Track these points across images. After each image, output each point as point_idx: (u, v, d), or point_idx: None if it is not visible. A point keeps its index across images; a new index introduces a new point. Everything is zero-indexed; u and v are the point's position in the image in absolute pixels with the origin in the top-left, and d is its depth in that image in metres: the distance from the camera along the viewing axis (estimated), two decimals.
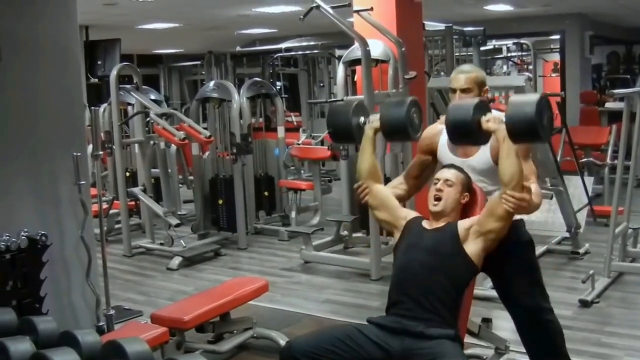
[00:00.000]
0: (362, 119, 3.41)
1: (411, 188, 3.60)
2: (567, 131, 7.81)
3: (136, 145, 7.77)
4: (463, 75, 3.39)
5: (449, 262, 3.08)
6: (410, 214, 3.36)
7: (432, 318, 2.99)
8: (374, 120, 3.36)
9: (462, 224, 3.16)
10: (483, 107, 3.06)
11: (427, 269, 3.07)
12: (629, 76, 13.35)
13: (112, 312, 4.49)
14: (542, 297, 3.46)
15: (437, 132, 3.51)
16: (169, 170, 8.06)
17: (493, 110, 3.20)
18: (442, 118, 3.58)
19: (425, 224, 3.27)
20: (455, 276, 3.07)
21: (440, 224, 3.21)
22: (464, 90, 3.35)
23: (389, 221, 3.36)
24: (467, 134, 3.05)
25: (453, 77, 3.42)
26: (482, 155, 3.35)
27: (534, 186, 3.19)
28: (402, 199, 3.52)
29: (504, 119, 2.96)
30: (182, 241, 7.05)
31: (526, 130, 2.90)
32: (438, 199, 3.21)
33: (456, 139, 3.18)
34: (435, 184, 3.25)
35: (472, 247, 3.09)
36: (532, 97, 2.94)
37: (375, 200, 3.39)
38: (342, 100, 6.85)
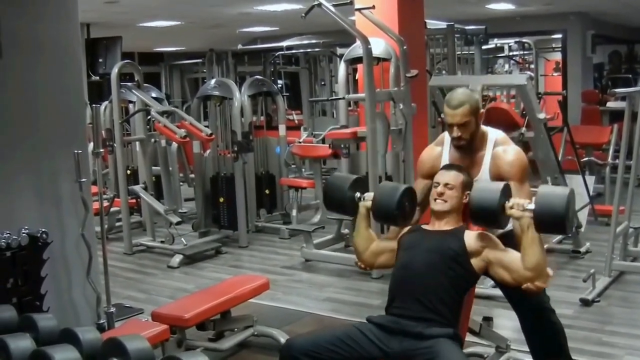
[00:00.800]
0: (357, 194, 3.40)
1: (420, 214, 3.56)
2: (569, 130, 7.80)
3: (137, 143, 7.77)
4: (458, 110, 3.27)
5: (451, 265, 3.06)
6: (403, 230, 3.35)
7: (432, 317, 2.98)
8: (368, 198, 3.34)
9: (471, 237, 3.13)
10: (507, 192, 3.06)
11: (428, 267, 3.07)
12: (630, 75, 13.34)
13: (112, 309, 4.50)
14: (545, 297, 3.46)
15: (437, 155, 3.49)
16: (170, 168, 8.07)
17: (493, 131, 3.32)
18: (439, 138, 3.57)
19: (427, 226, 3.26)
20: (456, 280, 3.06)
21: (444, 225, 3.19)
22: (461, 125, 3.29)
23: (388, 257, 3.35)
24: (490, 218, 3.05)
25: (448, 113, 3.31)
26: (483, 177, 3.34)
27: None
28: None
29: (526, 206, 2.96)
30: (182, 239, 7.05)
31: (554, 225, 2.93)
32: (440, 201, 3.20)
33: (478, 222, 3.17)
34: (436, 187, 3.23)
35: (478, 264, 3.09)
36: (562, 192, 2.94)
37: (375, 261, 3.41)
38: (343, 98, 6.88)
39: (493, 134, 3.40)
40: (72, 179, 4.07)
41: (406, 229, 3.33)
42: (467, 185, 3.23)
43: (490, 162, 3.33)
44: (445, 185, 3.20)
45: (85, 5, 5.67)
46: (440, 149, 3.49)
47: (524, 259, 2.97)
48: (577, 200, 6.45)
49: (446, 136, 3.45)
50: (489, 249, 3.08)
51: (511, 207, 2.99)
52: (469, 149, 3.36)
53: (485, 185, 3.17)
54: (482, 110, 3.38)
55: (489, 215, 3.04)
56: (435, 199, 3.22)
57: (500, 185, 3.08)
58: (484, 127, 3.40)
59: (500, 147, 3.35)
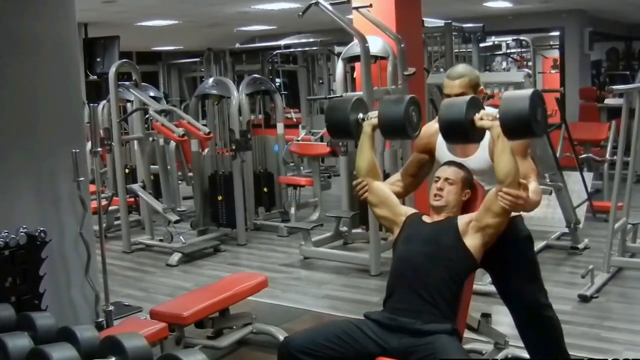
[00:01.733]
0: (360, 115, 3.36)
1: (408, 186, 3.60)
2: (567, 127, 7.81)
3: (135, 142, 7.77)
4: (456, 81, 3.31)
5: (448, 254, 3.08)
6: (409, 210, 3.36)
7: (430, 310, 2.99)
8: (373, 116, 3.32)
9: (462, 219, 3.16)
10: (476, 104, 3.03)
11: (426, 259, 3.08)
12: (628, 72, 13.31)
13: (111, 308, 4.50)
14: (540, 293, 3.46)
15: (434, 131, 3.47)
16: (168, 167, 8.08)
17: (486, 107, 3.20)
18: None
19: (426, 218, 3.27)
20: (454, 268, 3.07)
21: (441, 217, 3.21)
22: (458, 96, 3.28)
23: (389, 218, 3.34)
24: (461, 132, 3.01)
25: (446, 83, 3.35)
26: (480, 154, 3.34)
27: (533, 184, 3.17)
28: (400, 196, 3.51)
29: (496, 115, 2.93)
30: (181, 237, 7.05)
31: (520, 126, 2.87)
32: (439, 195, 3.21)
33: (450, 138, 3.14)
34: (436, 181, 3.24)
35: (472, 241, 3.09)
36: (525, 93, 2.91)
37: (374, 198, 3.38)
38: (341, 96, 6.87)
39: (488, 109, 3.40)
40: (71, 178, 4.07)
41: (411, 211, 3.33)
42: (467, 182, 3.25)
43: (489, 139, 3.31)
44: (446, 179, 3.22)
45: (83, 4, 5.68)
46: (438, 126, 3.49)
47: (496, 170, 2.98)
48: (575, 197, 6.52)
49: None
50: (475, 217, 3.11)
51: (481, 119, 2.97)
52: None
53: (452, 100, 3.15)
54: (481, 87, 3.39)
55: (458, 128, 2.99)
56: (434, 194, 3.23)
57: (467, 97, 3.06)
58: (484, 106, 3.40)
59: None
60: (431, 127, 3.54)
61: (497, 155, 2.97)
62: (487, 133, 3.10)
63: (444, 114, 3.04)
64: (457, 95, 3.28)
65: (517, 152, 3.12)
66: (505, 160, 2.95)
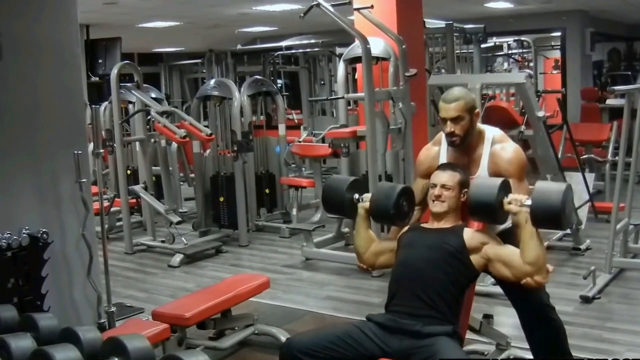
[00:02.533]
0: (356, 195, 3.41)
1: (419, 212, 3.56)
2: (568, 128, 7.81)
3: (137, 143, 7.77)
4: (452, 104, 3.29)
5: (451, 262, 3.08)
6: (402, 229, 3.36)
7: (431, 314, 3.00)
8: (367, 199, 3.36)
9: (470, 234, 3.15)
10: (506, 188, 3.09)
11: (428, 263, 3.08)
12: (629, 73, 13.34)
13: (113, 309, 4.51)
14: (544, 294, 3.46)
15: (434, 154, 3.49)
16: (170, 168, 8.08)
17: (490, 129, 3.34)
18: (437, 137, 3.57)
19: (426, 225, 3.28)
20: (456, 276, 3.08)
21: (443, 224, 3.22)
22: (454, 120, 3.29)
23: (389, 257, 3.36)
24: (489, 214, 3.09)
25: (442, 107, 3.34)
26: (481, 175, 3.34)
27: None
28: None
29: (524, 201, 2.99)
30: (183, 238, 7.06)
31: (550, 220, 2.94)
32: (439, 202, 3.21)
33: (477, 217, 3.21)
34: (433, 188, 3.24)
35: (477, 261, 3.11)
36: (559, 188, 2.96)
37: (376, 260, 3.42)
38: (342, 97, 6.89)
39: (490, 132, 3.41)
40: (73, 179, 4.07)
41: (406, 227, 3.34)
42: (463, 184, 3.24)
43: (488, 160, 3.33)
44: (442, 186, 3.22)
45: (84, 6, 5.69)
46: (438, 149, 3.49)
47: (524, 254, 2.99)
48: (577, 197, 6.52)
49: (444, 135, 3.45)
50: (488, 245, 3.10)
51: (509, 203, 3.02)
52: (465, 147, 3.36)
53: (484, 181, 3.19)
54: (477, 110, 3.39)
55: (487, 211, 3.06)
56: (433, 201, 3.23)
57: (498, 181, 3.10)
58: (481, 126, 3.41)
59: (498, 145, 3.35)
60: (431, 150, 3.54)
61: (526, 241, 2.99)
62: (486, 147, 3.20)
63: (475, 193, 3.11)
64: (452, 118, 3.28)
65: (514, 175, 3.20)
66: (534, 245, 2.98)
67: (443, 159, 3.43)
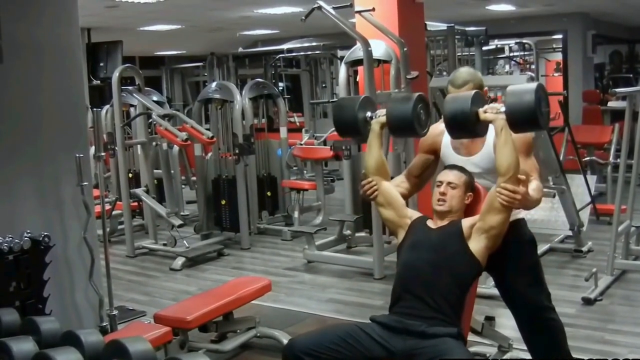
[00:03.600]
0: (368, 113, 3.37)
1: (412, 187, 3.59)
2: (570, 130, 7.80)
3: (139, 146, 7.78)
4: (462, 89, 3.31)
5: (453, 259, 3.08)
6: (414, 214, 3.36)
7: (436, 316, 2.99)
8: (381, 115, 3.33)
9: (466, 222, 3.16)
10: (480, 99, 3.07)
11: (431, 266, 3.08)
12: (631, 75, 13.33)
13: (115, 312, 4.50)
14: (543, 296, 3.46)
15: (439, 131, 3.48)
16: (172, 171, 8.07)
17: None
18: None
19: (430, 223, 3.27)
20: (460, 274, 3.07)
21: (445, 222, 3.22)
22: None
23: (395, 220, 3.33)
24: (465, 126, 3.04)
25: (451, 91, 3.36)
26: (485, 153, 3.35)
27: (534, 182, 3.19)
28: (404, 197, 3.50)
29: (500, 109, 2.98)
30: (185, 242, 7.06)
31: (526, 118, 2.92)
32: (442, 200, 3.21)
33: (454, 132, 3.17)
34: (439, 186, 3.25)
35: (476, 245, 3.09)
36: (531, 86, 2.96)
37: (382, 198, 3.36)
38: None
39: (495, 104, 3.40)
40: (74, 182, 4.07)
41: (415, 215, 3.33)
42: (469, 185, 3.25)
43: (493, 138, 3.33)
44: (448, 184, 3.23)
45: (85, 9, 5.69)
46: (444, 127, 3.50)
47: (498, 163, 3.01)
48: (578, 200, 6.52)
49: None
50: (478, 219, 3.11)
51: (485, 112, 3.02)
52: None
53: (456, 95, 3.18)
54: (485, 88, 3.41)
55: (463, 122, 3.03)
56: (437, 199, 3.23)
57: (470, 92, 3.09)
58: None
59: None
60: (437, 127, 3.54)
61: (499, 148, 3.00)
62: (491, 130, 3.13)
63: (449, 108, 3.07)
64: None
65: (520, 151, 3.13)
66: (507, 153, 2.98)
67: (448, 137, 3.41)
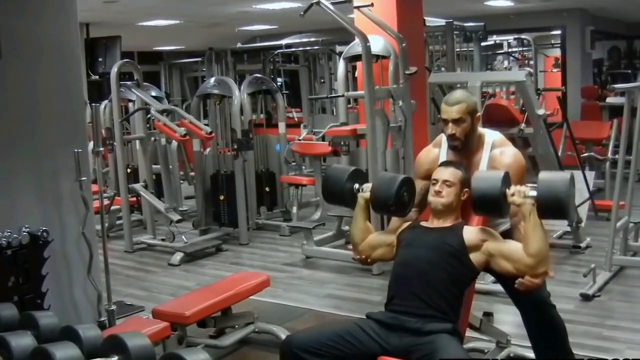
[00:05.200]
0: (356, 185, 3.41)
1: (417, 214, 3.55)
2: (568, 126, 7.81)
3: (137, 141, 7.78)
4: (454, 107, 3.31)
5: (451, 262, 3.07)
6: (401, 227, 3.35)
7: (432, 313, 2.99)
8: (367, 189, 3.35)
9: (471, 233, 3.14)
10: (507, 180, 3.07)
11: (428, 263, 3.07)
12: (630, 71, 13.33)
13: (113, 307, 4.51)
14: (545, 293, 3.46)
15: (434, 157, 3.50)
16: (170, 167, 8.09)
17: (490, 133, 3.37)
18: (437, 139, 3.58)
19: (426, 223, 3.27)
20: (456, 276, 3.07)
21: (443, 223, 3.21)
22: (456, 122, 3.30)
23: (387, 252, 3.35)
24: (492, 207, 3.06)
25: (444, 109, 3.36)
26: None
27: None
28: None
29: (528, 193, 2.98)
30: (183, 237, 7.06)
31: (556, 210, 2.94)
32: (439, 198, 3.21)
33: (480, 211, 3.18)
34: (434, 184, 3.24)
35: (477, 259, 3.09)
36: (564, 176, 2.96)
37: (373, 258, 3.44)
38: (342, 95, 6.88)
39: (490, 136, 3.42)
40: (73, 177, 4.07)
41: (405, 225, 3.33)
42: (465, 182, 3.24)
43: (487, 165, 3.34)
44: (444, 182, 3.22)
45: (84, 4, 5.68)
46: (438, 151, 3.50)
47: (527, 246, 2.97)
48: (577, 195, 6.52)
49: (444, 138, 3.46)
50: (489, 241, 3.09)
51: (512, 195, 3.00)
52: (465, 150, 3.37)
53: (486, 174, 3.18)
54: (479, 114, 3.40)
55: (491, 204, 3.04)
56: (434, 197, 3.23)
57: (500, 173, 3.09)
58: (481, 130, 3.42)
59: (498, 150, 3.37)
60: (430, 152, 3.55)
61: (530, 232, 2.97)
62: (486, 153, 3.23)
63: (477, 187, 3.08)
64: (454, 120, 3.30)
65: (513, 178, 3.15)
66: (538, 237, 2.96)
67: (444, 159, 3.43)
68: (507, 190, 3.02)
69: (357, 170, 3.55)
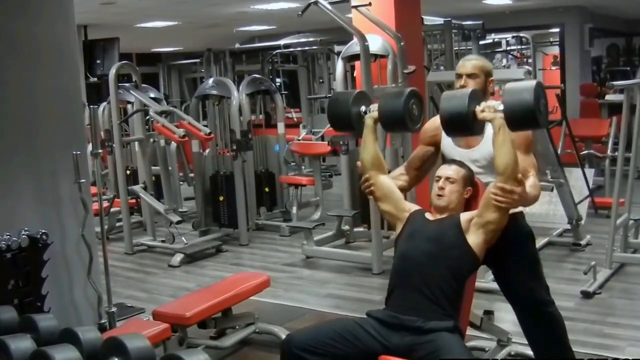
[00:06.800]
0: (362, 108, 3.37)
1: (412, 179, 3.59)
2: (568, 124, 7.81)
3: (136, 143, 7.77)
4: (470, 62, 3.38)
5: (450, 252, 3.07)
6: (413, 206, 3.35)
7: (432, 308, 2.99)
8: (374, 109, 3.34)
9: (464, 216, 3.15)
10: (477, 96, 3.04)
11: (428, 257, 3.07)
12: (628, 68, 13.30)
13: (114, 309, 4.51)
14: (542, 290, 3.45)
15: (440, 124, 3.50)
16: (170, 168, 8.08)
17: (497, 103, 3.23)
18: None
19: (428, 215, 3.27)
20: (457, 266, 3.06)
21: (444, 215, 3.21)
22: (469, 76, 3.33)
23: (393, 213, 3.33)
24: (462, 125, 3.02)
25: (460, 65, 3.40)
26: (484, 146, 3.34)
27: (532, 179, 3.19)
28: (403, 190, 3.50)
29: (497, 107, 2.95)
30: (183, 238, 7.05)
31: (525, 117, 2.89)
32: (441, 195, 3.21)
33: (451, 131, 3.15)
34: (437, 181, 3.24)
35: (474, 239, 3.08)
36: (529, 84, 2.92)
37: (379, 192, 3.36)
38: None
39: (492, 102, 3.40)
40: (72, 180, 4.07)
41: (414, 207, 3.32)
42: (468, 180, 3.24)
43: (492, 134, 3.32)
44: (447, 179, 3.22)
45: (81, 7, 5.68)
46: None
47: (496, 162, 2.98)
48: (577, 193, 6.52)
49: None
50: (476, 214, 3.10)
51: (482, 111, 2.99)
52: None
53: (453, 92, 3.16)
54: (492, 77, 3.41)
55: (460, 121, 3.00)
56: (436, 194, 3.23)
57: (468, 90, 3.08)
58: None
59: None
60: (437, 119, 3.54)
61: (498, 147, 2.97)
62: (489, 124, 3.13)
63: (445, 106, 3.05)
64: (468, 74, 3.33)
65: (519, 147, 3.12)
66: (505, 152, 2.95)
67: None
68: (477, 107, 2.99)
69: (362, 92, 3.52)
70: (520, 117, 2.89)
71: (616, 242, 5.70)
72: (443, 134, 3.45)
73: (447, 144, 3.48)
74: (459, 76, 3.37)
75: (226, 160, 7.58)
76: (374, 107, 3.34)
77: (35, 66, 4.03)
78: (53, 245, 3.84)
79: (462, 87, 3.32)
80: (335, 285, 5.92)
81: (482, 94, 3.14)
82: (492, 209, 3.04)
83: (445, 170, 3.26)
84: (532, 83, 2.91)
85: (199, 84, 11.20)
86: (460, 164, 3.29)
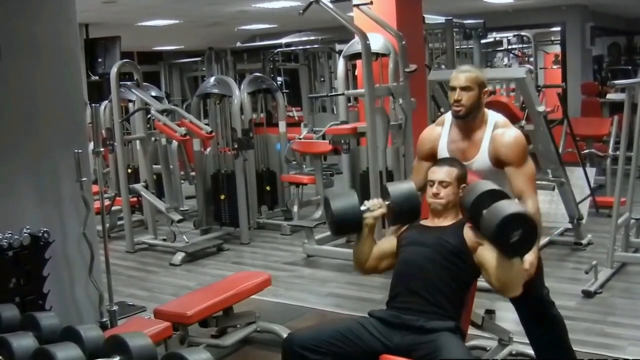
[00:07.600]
0: (363, 207, 3.29)
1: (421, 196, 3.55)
2: (569, 122, 7.80)
3: (137, 141, 7.77)
4: (464, 74, 3.33)
5: (451, 259, 3.07)
6: (399, 231, 3.33)
7: (434, 310, 2.99)
8: (373, 207, 3.28)
9: (469, 234, 3.10)
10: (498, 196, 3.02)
11: (430, 262, 3.07)
12: (630, 67, 13.30)
13: (115, 307, 4.51)
14: (544, 290, 3.46)
15: (437, 135, 3.49)
16: (171, 167, 8.08)
17: (493, 114, 3.36)
18: (440, 119, 3.57)
19: (426, 222, 3.27)
20: (456, 274, 3.07)
21: (442, 222, 3.21)
22: (463, 89, 3.31)
23: (391, 262, 3.31)
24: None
25: (453, 76, 3.37)
26: (481, 158, 3.34)
27: (530, 202, 3.20)
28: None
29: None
30: (184, 237, 7.06)
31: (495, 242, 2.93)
32: (437, 200, 3.20)
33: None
34: (431, 186, 3.23)
35: (477, 260, 3.08)
36: (501, 213, 2.88)
37: (380, 269, 3.38)
38: (342, 94, 6.87)
39: (494, 116, 3.40)
40: (73, 178, 4.07)
41: (404, 227, 3.32)
42: (461, 179, 3.23)
43: (489, 144, 3.32)
44: (440, 183, 3.21)
45: (83, 5, 5.68)
46: (441, 129, 3.49)
47: (496, 271, 2.96)
48: (578, 192, 6.52)
49: (447, 117, 3.48)
50: (483, 247, 3.05)
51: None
52: (467, 127, 3.36)
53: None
54: (487, 89, 3.40)
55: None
56: (432, 199, 3.22)
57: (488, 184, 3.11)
58: (486, 110, 3.41)
59: (500, 130, 3.35)
60: (433, 131, 3.54)
61: (496, 267, 2.96)
62: (487, 133, 3.21)
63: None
64: (461, 87, 3.30)
65: (512, 163, 3.22)
66: (502, 270, 2.95)
67: (445, 140, 3.42)
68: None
69: (350, 192, 3.56)
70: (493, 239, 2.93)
71: (617, 241, 5.70)
72: (440, 146, 3.45)
73: (444, 155, 3.46)
74: (453, 89, 3.34)
75: (227, 159, 7.58)
76: (371, 204, 3.29)
77: (36, 65, 4.02)
78: (54, 243, 3.84)
79: (457, 100, 3.31)
80: (337, 284, 5.92)
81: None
82: (487, 277, 3.04)
83: (438, 174, 3.23)
84: (506, 213, 2.86)
85: (200, 83, 11.21)
86: (451, 162, 3.27)
